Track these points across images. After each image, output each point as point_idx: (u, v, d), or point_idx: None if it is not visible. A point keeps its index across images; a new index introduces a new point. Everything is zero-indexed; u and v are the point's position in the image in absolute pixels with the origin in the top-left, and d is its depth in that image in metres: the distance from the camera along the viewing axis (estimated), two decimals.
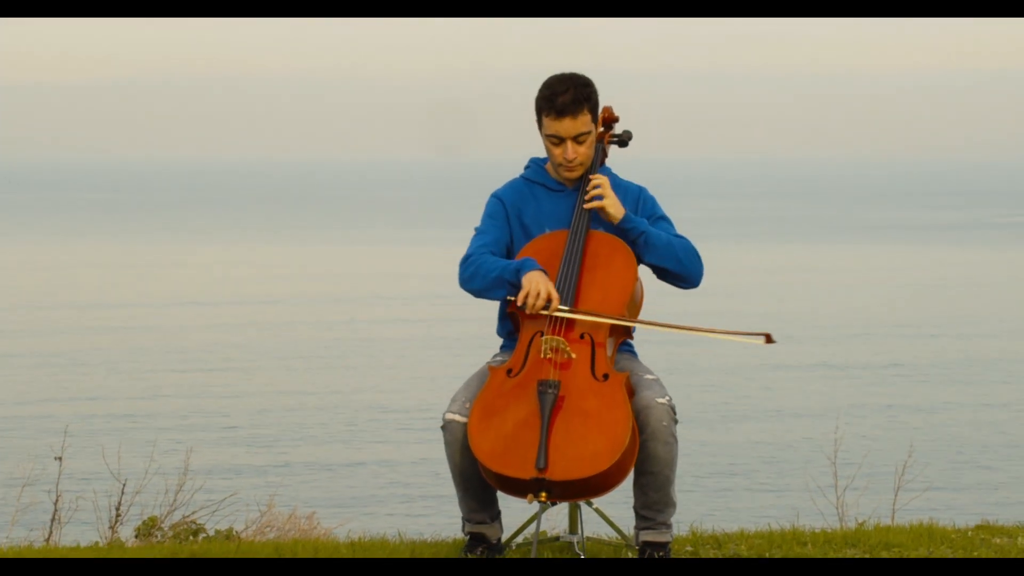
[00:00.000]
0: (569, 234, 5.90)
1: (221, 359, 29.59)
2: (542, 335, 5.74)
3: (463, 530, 6.01)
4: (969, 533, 6.78)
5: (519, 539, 6.15)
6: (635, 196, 6.04)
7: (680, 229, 6.01)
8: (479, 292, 5.88)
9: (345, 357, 30.23)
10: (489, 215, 6.03)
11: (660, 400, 5.70)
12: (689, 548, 6.31)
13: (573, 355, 5.68)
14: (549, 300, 5.73)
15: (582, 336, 5.74)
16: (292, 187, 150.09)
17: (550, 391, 5.60)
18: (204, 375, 27.57)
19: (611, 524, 6.15)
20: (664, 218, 6.03)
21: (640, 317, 5.88)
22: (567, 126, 5.87)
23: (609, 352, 5.77)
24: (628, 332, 5.96)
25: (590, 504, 6.02)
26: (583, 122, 5.88)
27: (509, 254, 6.00)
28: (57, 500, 8.68)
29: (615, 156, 6.20)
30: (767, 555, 6.20)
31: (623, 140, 6.15)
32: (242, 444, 21.39)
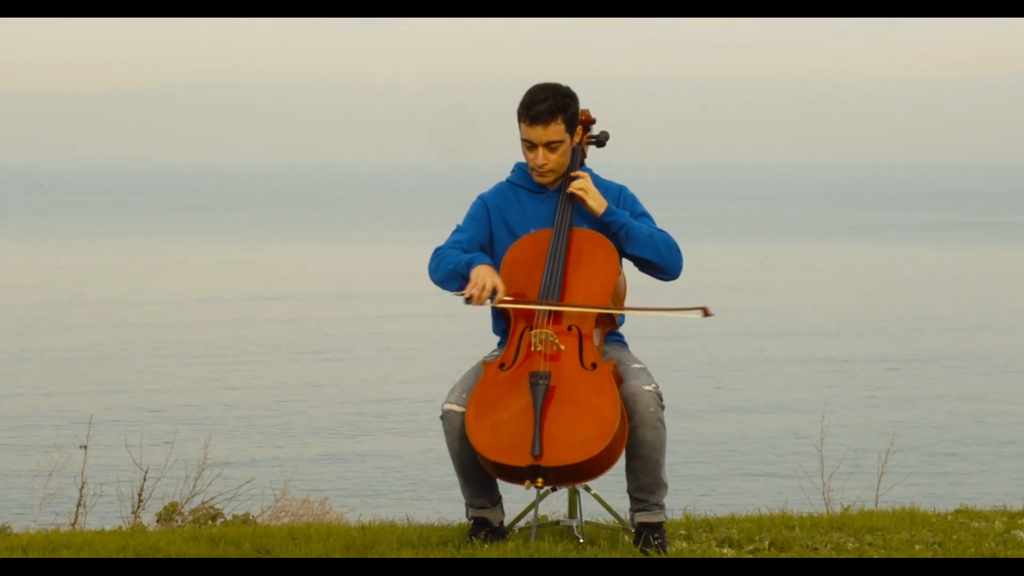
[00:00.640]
0: (553, 232, 6.10)
1: (237, 354, 29.84)
2: (531, 329, 5.96)
3: (467, 515, 6.22)
4: (949, 517, 7.01)
5: (521, 523, 6.36)
6: (616, 194, 6.25)
7: (673, 230, 6.23)
8: (438, 283, 6.13)
9: (355, 351, 30.46)
10: (471, 215, 6.26)
11: (647, 387, 5.91)
12: (683, 532, 6.52)
13: (562, 346, 5.90)
14: (495, 291, 5.95)
15: (569, 328, 5.95)
16: (308, 190, 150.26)
17: (541, 382, 5.82)
18: (222, 369, 27.84)
19: (608, 508, 6.35)
20: (645, 214, 6.22)
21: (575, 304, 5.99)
22: (539, 133, 6.10)
23: (596, 342, 5.98)
24: (614, 322, 6.16)
25: (588, 490, 6.21)
26: (555, 131, 6.09)
27: (485, 253, 6.19)
28: (82, 487, 8.96)
29: (601, 158, 6.46)
30: (757, 538, 6.40)
31: (600, 140, 6.37)
32: (256, 434, 21.67)
